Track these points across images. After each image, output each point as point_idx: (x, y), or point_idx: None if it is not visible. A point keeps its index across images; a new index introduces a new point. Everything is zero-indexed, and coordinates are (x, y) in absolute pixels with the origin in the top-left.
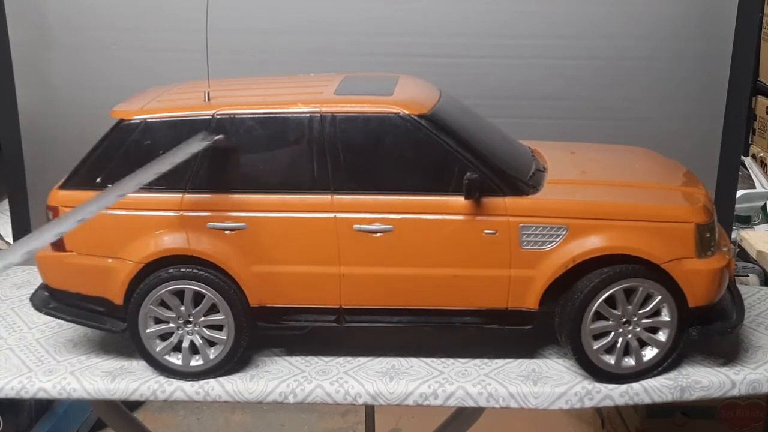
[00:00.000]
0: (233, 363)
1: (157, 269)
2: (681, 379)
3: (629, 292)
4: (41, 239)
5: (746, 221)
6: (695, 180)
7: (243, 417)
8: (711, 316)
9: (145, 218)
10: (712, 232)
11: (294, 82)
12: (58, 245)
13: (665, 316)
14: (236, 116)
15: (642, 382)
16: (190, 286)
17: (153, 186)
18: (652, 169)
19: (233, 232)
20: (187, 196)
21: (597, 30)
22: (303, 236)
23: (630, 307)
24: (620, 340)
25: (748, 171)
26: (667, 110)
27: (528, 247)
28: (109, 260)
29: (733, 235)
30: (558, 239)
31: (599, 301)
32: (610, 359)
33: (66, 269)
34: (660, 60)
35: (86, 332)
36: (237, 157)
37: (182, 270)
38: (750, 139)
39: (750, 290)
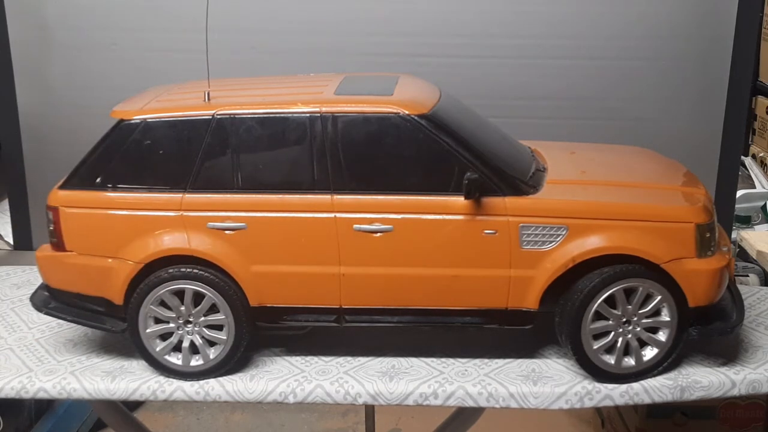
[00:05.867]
0: (233, 363)
1: (157, 269)
2: (681, 379)
3: (629, 292)
4: None
5: (746, 221)
6: (695, 180)
7: (243, 417)
8: (711, 316)
9: (145, 218)
10: (712, 232)
11: (294, 82)
12: (58, 245)
13: (665, 316)
14: (236, 116)
15: (642, 382)
16: (190, 286)
17: (153, 186)
18: (652, 169)
19: (233, 232)
20: (187, 196)
21: (597, 30)
22: (303, 236)
23: (630, 307)
24: (620, 340)
25: (748, 171)
26: (667, 110)
27: (528, 247)
28: (110, 260)
29: (733, 235)
30: (558, 239)
31: (599, 301)
32: (610, 359)
33: (66, 269)
34: (660, 60)
35: (86, 332)
36: (237, 157)
37: (182, 270)
38: (750, 139)
39: (750, 290)
